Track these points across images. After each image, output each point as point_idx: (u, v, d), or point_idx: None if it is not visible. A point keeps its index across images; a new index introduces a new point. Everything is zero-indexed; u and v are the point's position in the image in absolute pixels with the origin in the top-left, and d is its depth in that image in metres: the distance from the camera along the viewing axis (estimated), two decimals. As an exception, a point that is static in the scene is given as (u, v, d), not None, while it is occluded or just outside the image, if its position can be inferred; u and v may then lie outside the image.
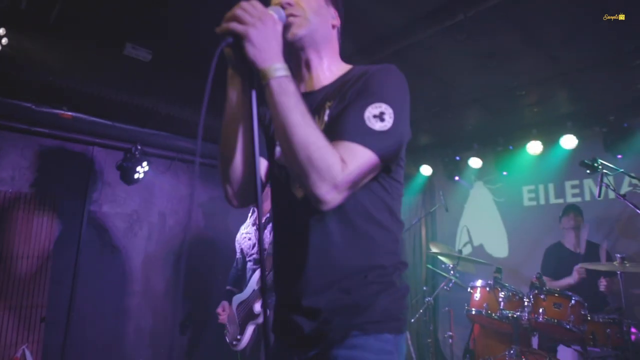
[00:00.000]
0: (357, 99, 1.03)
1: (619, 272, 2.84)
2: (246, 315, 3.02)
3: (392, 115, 0.99)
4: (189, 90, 3.49)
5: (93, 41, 2.97)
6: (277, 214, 1.21)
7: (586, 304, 2.88)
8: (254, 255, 3.18)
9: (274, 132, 1.07)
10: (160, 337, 3.70)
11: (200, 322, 3.85)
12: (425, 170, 5.16)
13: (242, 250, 3.30)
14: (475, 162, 4.81)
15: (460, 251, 3.70)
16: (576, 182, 4.28)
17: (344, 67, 1.22)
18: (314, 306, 1.06)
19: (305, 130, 0.92)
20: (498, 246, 4.75)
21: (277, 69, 0.94)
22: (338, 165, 0.92)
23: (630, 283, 3.10)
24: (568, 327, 2.78)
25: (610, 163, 2.99)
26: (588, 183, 4.20)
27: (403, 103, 1.05)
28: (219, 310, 3.13)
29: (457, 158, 5.02)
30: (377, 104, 1.00)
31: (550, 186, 4.45)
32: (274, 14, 1.03)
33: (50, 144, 3.36)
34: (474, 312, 3.25)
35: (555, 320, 2.81)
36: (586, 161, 3.06)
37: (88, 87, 3.10)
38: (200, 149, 0.99)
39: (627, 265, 2.79)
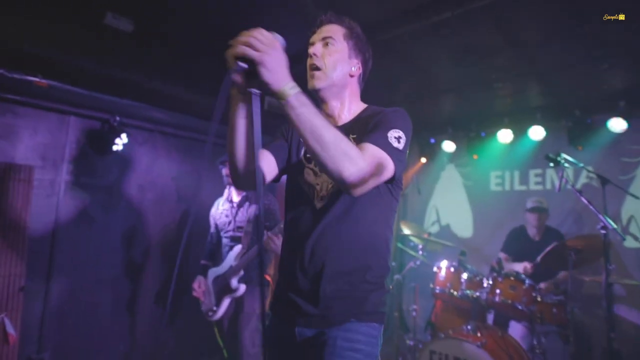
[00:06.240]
0: (379, 125, 1.27)
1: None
2: (222, 288, 3.16)
3: (405, 142, 1.26)
4: (170, 63, 3.43)
5: (72, 9, 2.85)
6: (296, 219, 1.41)
7: (537, 287, 3.20)
8: (230, 232, 3.28)
9: (305, 148, 1.30)
10: (138, 307, 3.81)
11: (177, 292, 3.96)
12: (401, 150, 5.30)
13: (216, 225, 3.40)
14: (448, 146, 5.01)
15: (429, 233, 3.93)
16: (539, 171, 4.56)
17: (361, 106, 1.46)
18: (321, 292, 1.29)
19: (331, 130, 1.08)
20: (463, 226, 5.05)
21: (291, 87, 1.06)
22: (363, 156, 1.13)
23: (576, 269, 3.44)
24: (520, 307, 3.09)
25: (572, 155, 3.21)
26: (550, 173, 4.49)
27: (409, 136, 1.32)
28: (195, 285, 3.25)
29: (432, 140, 5.20)
30: (397, 130, 1.25)
31: (516, 173, 4.73)
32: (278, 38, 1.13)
33: (24, 112, 3.25)
34: (437, 291, 3.53)
35: (510, 301, 3.12)
36: (550, 155, 3.25)
37: (64, 56, 3.00)
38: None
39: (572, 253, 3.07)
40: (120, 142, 3.60)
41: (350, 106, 1.43)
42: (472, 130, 4.72)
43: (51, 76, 3.06)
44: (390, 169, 1.19)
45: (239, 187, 1.45)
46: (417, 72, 3.58)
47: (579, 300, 3.50)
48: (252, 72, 1.03)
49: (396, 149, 1.20)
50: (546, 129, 4.23)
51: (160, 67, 3.31)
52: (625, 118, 3.80)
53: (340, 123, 1.41)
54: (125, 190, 3.80)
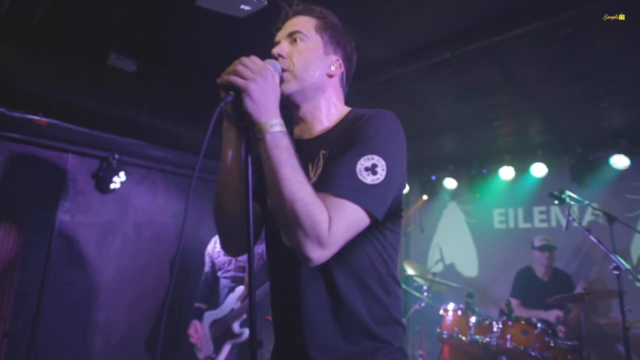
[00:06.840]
0: (349, 149, 1.00)
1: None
2: (223, 333, 2.99)
3: (384, 168, 0.97)
4: (171, 102, 3.44)
5: (76, 49, 2.88)
6: (270, 257, 1.19)
7: (550, 331, 3.04)
8: (231, 272, 3.14)
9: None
10: (130, 354, 3.61)
11: (170, 335, 3.77)
12: (402, 188, 5.27)
13: (213, 264, 3.23)
14: (450, 183, 4.96)
15: (434, 274, 3.80)
16: (544, 208, 4.49)
17: (343, 112, 1.19)
18: (311, 354, 1.03)
19: (294, 185, 0.90)
20: (468, 266, 4.91)
21: (273, 124, 0.94)
22: (325, 223, 0.90)
23: (590, 311, 3.29)
24: (533, 353, 2.93)
25: (576, 192, 3.16)
26: (555, 210, 4.41)
27: (397, 153, 1.03)
28: (191, 331, 3.07)
29: (433, 178, 5.17)
30: (370, 156, 0.97)
31: (520, 210, 4.65)
32: (270, 67, 1.01)
33: (22, 150, 3.22)
34: (445, 335, 3.36)
35: (522, 347, 2.96)
36: (554, 192, 3.21)
37: (65, 95, 3.00)
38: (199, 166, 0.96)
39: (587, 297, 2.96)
40: (118, 180, 3.55)
41: (328, 112, 1.16)
42: (474, 168, 4.70)
43: (51, 114, 3.06)
44: (363, 220, 0.96)
45: (227, 249, 1.21)
46: (417, 111, 3.60)
47: (594, 344, 3.32)
48: (239, 102, 0.94)
49: (369, 186, 0.94)
50: (548, 166, 4.21)
51: (161, 105, 3.32)
52: (627, 155, 3.79)
53: (316, 133, 1.15)
54: (122, 229, 3.71)
